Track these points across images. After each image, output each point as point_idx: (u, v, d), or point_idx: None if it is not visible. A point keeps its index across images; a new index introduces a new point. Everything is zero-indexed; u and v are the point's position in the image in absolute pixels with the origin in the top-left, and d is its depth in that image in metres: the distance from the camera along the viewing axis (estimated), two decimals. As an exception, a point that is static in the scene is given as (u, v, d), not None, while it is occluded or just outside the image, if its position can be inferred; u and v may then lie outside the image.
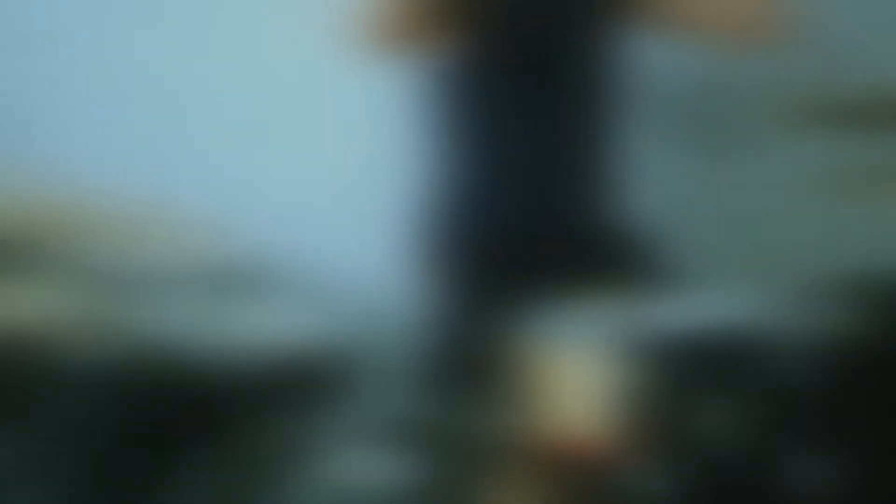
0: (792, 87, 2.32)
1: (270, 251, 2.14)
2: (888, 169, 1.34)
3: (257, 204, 2.35)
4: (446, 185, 2.03)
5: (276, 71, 2.37)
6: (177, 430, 1.36)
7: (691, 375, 1.14)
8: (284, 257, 2.29)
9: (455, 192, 2.01)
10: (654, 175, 2.22)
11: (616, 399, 1.32)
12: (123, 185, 1.26)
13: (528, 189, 1.96)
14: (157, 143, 2.37)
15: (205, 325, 1.51)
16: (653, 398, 1.16)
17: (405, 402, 1.28)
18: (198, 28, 2.38)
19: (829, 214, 2.34)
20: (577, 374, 1.40)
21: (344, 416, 1.08)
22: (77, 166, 2.10)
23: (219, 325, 1.53)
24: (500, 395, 1.49)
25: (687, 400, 1.12)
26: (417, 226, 2.05)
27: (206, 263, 1.91)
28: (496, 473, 1.16)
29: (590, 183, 2.00)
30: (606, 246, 1.97)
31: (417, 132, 2.07)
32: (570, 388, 1.41)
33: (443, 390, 1.69)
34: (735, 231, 2.49)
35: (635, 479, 1.14)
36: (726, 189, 2.48)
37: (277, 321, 1.61)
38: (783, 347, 1.07)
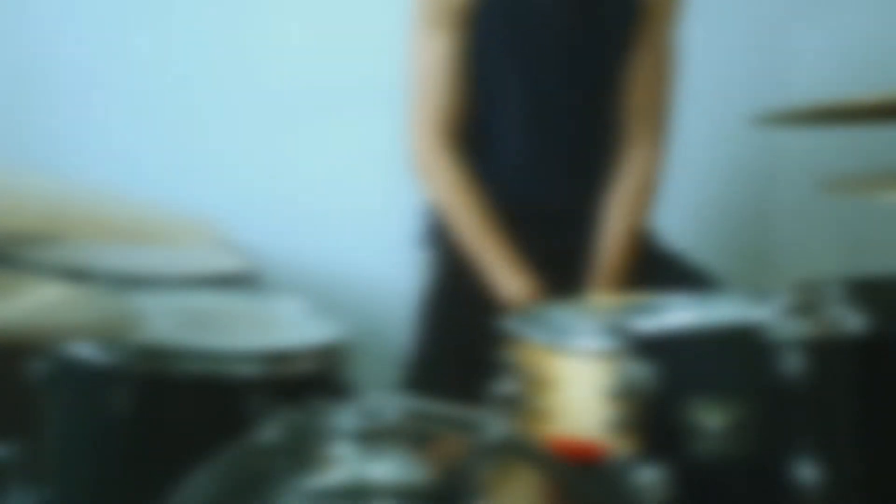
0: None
1: (273, 252, 2.14)
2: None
3: (262, 206, 2.35)
4: None
5: (282, 77, 2.38)
6: (178, 429, 1.36)
7: (692, 375, 1.14)
8: (287, 258, 2.29)
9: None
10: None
11: (618, 400, 1.32)
12: (129, 186, 1.26)
13: (524, 188, 1.95)
14: (164, 146, 2.37)
15: (206, 326, 1.51)
16: (654, 398, 1.16)
17: (408, 403, 1.28)
18: (205, 29, 2.39)
19: (830, 213, 2.35)
20: (580, 374, 1.40)
21: (346, 415, 1.08)
22: (80, 167, 2.11)
23: (221, 325, 1.53)
24: (503, 396, 1.49)
25: (688, 400, 1.12)
26: (421, 227, 2.05)
27: (209, 264, 1.91)
28: (498, 474, 1.16)
29: (586, 182, 1.99)
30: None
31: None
32: (573, 389, 1.41)
33: (446, 391, 1.69)
34: (734, 231, 2.49)
35: (638, 480, 1.14)
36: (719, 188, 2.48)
37: (281, 321, 1.61)
38: (785, 347, 1.07)
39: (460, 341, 1.81)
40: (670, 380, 1.15)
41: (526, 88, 1.88)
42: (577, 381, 1.40)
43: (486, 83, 1.90)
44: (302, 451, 1.17)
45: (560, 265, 1.91)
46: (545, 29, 1.87)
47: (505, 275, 1.83)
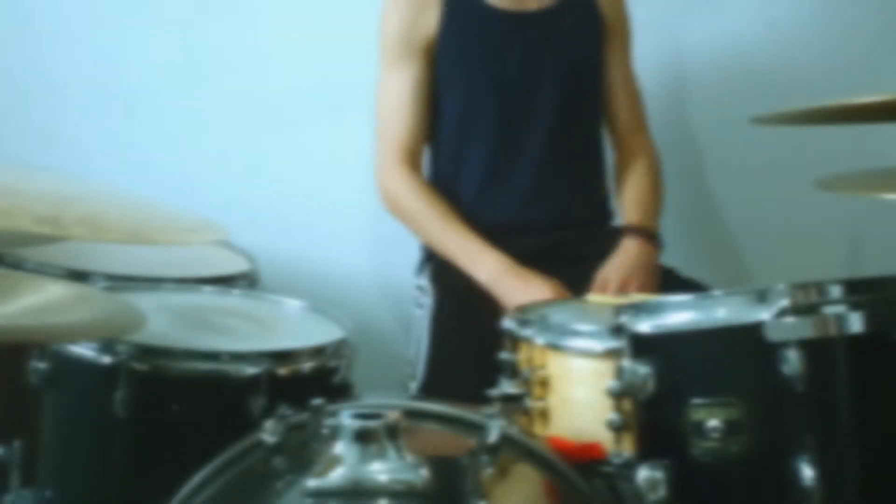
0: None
1: (273, 252, 2.14)
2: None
3: (262, 207, 2.36)
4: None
5: (280, 78, 2.38)
6: (178, 429, 1.36)
7: (692, 375, 1.14)
8: (287, 258, 2.29)
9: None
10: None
11: (618, 400, 1.32)
12: (129, 186, 1.26)
13: (521, 189, 1.96)
14: (163, 146, 2.38)
15: (207, 326, 1.52)
16: (654, 398, 1.16)
17: (408, 402, 1.28)
18: (206, 31, 2.39)
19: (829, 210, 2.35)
20: (580, 374, 1.40)
21: (346, 415, 1.08)
22: (80, 167, 2.11)
23: (221, 326, 1.53)
24: (503, 396, 1.49)
25: (688, 400, 1.12)
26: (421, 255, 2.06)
27: (209, 264, 1.91)
28: (498, 474, 1.16)
29: (584, 183, 2.00)
30: (606, 247, 1.98)
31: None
32: (573, 389, 1.41)
33: (449, 389, 1.69)
34: (734, 229, 2.49)
35: (638, 480, 1.14)
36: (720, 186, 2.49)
37: (282, 322, 1.61)
38: (784, 347, 1.06)
39: (472, 349, 1.80)
40: (670, 380, 1.15)
41: (494, 112, 1.93)
42: (577, 381, 1.40)
43: (455, 109, 1.96)
44: (302, 451, 1.17)
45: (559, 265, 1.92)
46: (508, 55, 1.92)
47: (475, 257, 1.86)
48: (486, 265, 1.84)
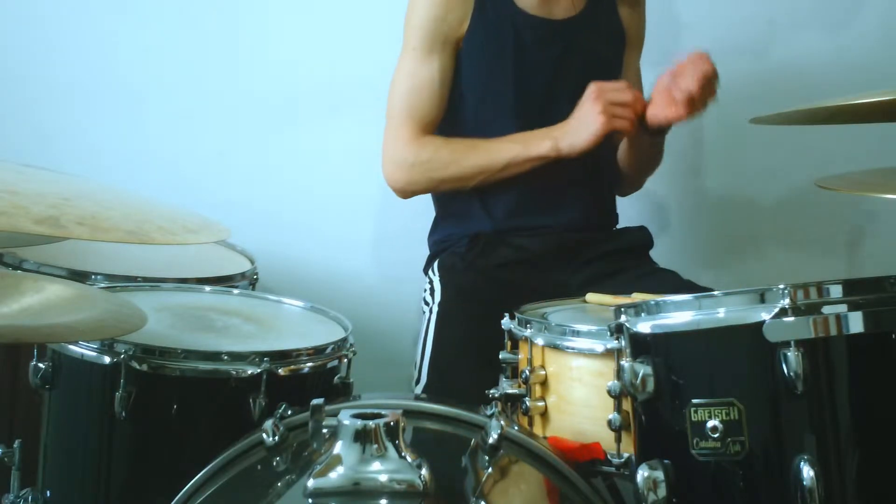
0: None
1: (274, 252, 2.14)
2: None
3: (263, 207, 2.36)
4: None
5: (282, 78, 2.38)
6: (178, 429, 1.36)
7: (692, 375, 1.14)
8: (288, 258, 2.29)
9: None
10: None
11: (618, 400, 1.32)
12: (130, 186, 1.26)
13: (537, 192, 1.96)
14: (164, 146, 2.38)
15: (207, 326, 1.52)
16: (654, 398, 1.16)
17: (407, 402, 1.28)
18: (207, 31, 2.39)
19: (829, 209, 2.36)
20: (580, 374, 1.40)
21: (346, 415, 1.08)
22: (81, 167, 2.11)
23: (222, 325, 1.53)
24: (503, 396, 1.49)
25: (688, 400, 1.12)
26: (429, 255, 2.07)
27: (210, 264, 1.91)
28: (501, 472, 1.16)
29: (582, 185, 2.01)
30: (606, 249, 1.98)
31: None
32: (573, 389, 1.41)
33: (449, 389, 1.70)
34: (734, 229, 2.49)
35: (638, 480, 1.14)
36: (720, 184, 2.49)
37: (282, 322, 1.61)
38: (784, 347, 1.06)
39: (473, 348, 1.80)
40: (670, 380, 1.15)
41: (514, 115, 1.94)
42: (576, 381, 1.40)
43: (476, 109, 1.96)
44: (302, 451, 1.17)
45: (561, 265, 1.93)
46: (533, 60, 1.94)
47: (526, 143, 1.87)
48: (541, 140, 1.87)
